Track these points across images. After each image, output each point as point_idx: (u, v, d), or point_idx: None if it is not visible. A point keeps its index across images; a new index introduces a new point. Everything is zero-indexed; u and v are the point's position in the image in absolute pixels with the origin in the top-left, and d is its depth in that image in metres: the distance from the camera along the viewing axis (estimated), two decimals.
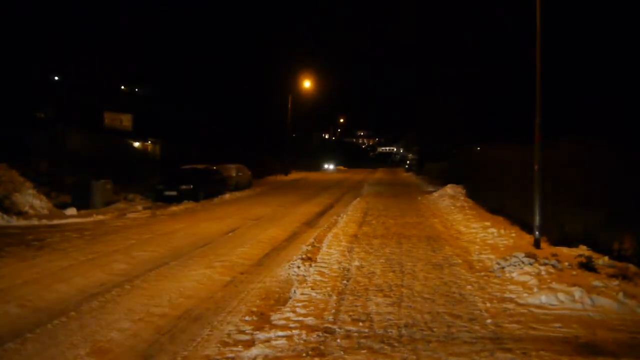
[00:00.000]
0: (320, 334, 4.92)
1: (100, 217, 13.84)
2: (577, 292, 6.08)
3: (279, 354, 4.46)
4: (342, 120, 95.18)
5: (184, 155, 26.03)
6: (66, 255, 8.77)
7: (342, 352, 4.49)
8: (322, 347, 4.61)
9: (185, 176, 19.06)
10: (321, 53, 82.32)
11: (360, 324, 5.25)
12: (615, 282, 6.45)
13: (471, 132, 25.02)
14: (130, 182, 19.16)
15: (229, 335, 5.02)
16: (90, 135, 21.37)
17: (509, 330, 5.13)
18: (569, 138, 9.76)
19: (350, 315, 5.51)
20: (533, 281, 6.74)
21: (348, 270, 7.70)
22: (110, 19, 30.32)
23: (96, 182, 15.90)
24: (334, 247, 9.43)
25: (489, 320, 5.40)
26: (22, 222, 12.46)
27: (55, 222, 12.81)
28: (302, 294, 6.33)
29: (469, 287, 6.79)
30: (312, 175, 40.31)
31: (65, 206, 14.86)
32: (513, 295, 6.33)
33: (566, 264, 7.37)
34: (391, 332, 5.03)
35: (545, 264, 7.34)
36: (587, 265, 7.21)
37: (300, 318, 5.40)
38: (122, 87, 37.07)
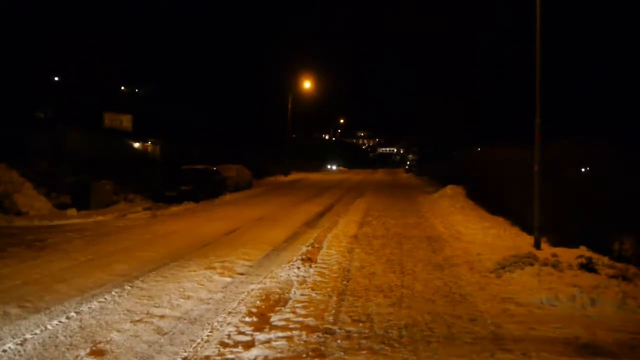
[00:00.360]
0: (321, 335, 4.92)
1: (101, 217, 13.85)
2: (577, 293, 6.08)
3: (279, 355, 4.46)
4: (342, 121, 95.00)
5: (184, 155, 25.98)
6: (66, 255, 8.77)
7: (342, 353, 4.49)
8: (322, 348, 4.61)
9: (185, 177, 19.05)
10: (321, 53, 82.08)
11: (361, 324, 5.25)
12: (616, 283, 6.46)
13: (471, 132, 25.00)
14: (130, 182, 19.12)
15: (229, 336, 5.02)
16: (90, 135, 21.32)
17: (510, 330, 5.13)
18: (569, 138, 9.76)
19: (350, 316, 5.51)
20: (533, 282, 6.75)
21: (348, 270, 7.71)
22: (110, 19, 30.27)
23: (96, 182, 15.92)
24: (334, 248, 9.43)
25: (489, 321, 5.41)
26: (22, 223, 12.47)
27: (56, 222, 12.81)
28: (302, 294, 6.34)
29: (469, 287, 6.80)
30: (312, 176, 40.28)
31: (65, 206, 14.87)
32: (513, 296, 6.34)
33: (566, 264, 7.38)
34: (391, 332, 5.03)
35: (545, 265, 7.35)
36: (588, 266, 7.22)
37: (301, 319, 5.40)
38: (122, 87, 37.05)
